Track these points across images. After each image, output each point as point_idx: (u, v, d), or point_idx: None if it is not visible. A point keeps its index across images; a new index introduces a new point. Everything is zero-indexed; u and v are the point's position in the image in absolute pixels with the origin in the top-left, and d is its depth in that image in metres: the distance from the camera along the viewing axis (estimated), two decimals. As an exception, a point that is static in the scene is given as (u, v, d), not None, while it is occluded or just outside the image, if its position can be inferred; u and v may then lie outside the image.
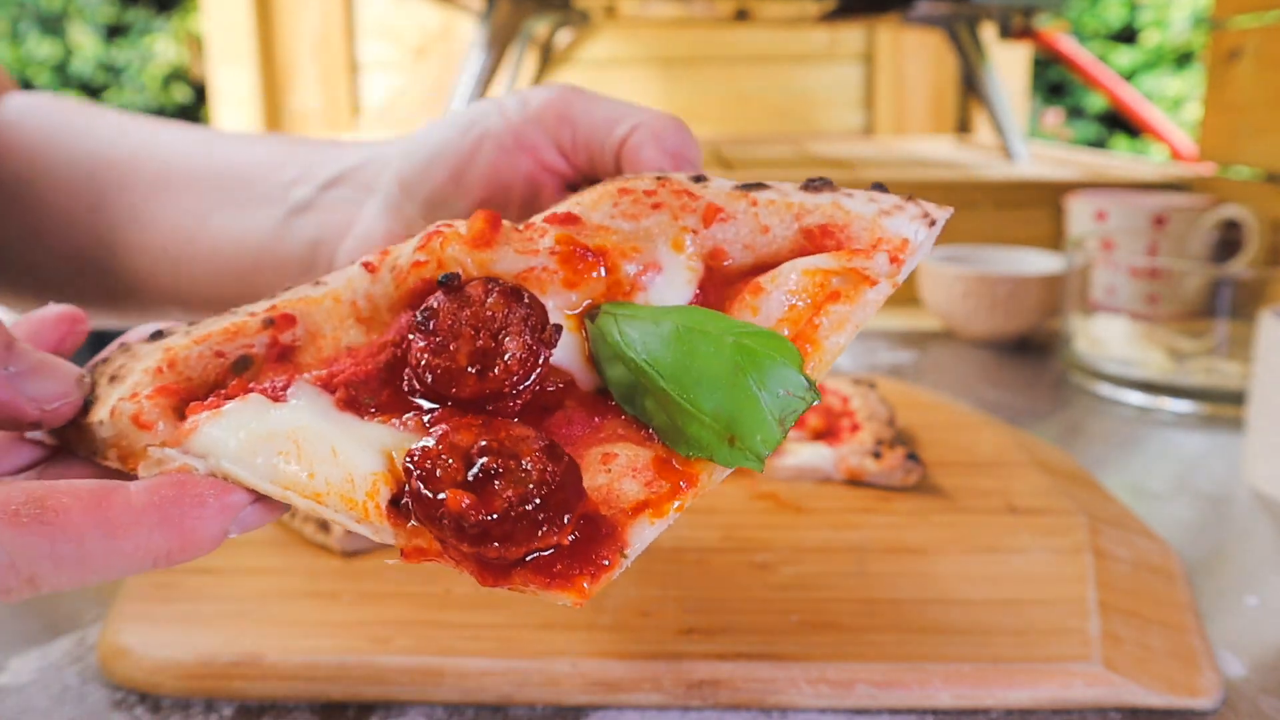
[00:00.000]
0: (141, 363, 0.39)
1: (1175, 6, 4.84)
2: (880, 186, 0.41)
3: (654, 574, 0.63)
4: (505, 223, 0.40)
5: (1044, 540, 0.66)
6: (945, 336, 1.31)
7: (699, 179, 0.42)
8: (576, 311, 0.39)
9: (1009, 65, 2.57)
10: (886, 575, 0.63)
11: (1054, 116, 4.79)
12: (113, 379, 0.39)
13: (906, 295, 1.41)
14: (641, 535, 0.34)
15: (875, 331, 1.33)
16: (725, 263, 0.40)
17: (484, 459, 0.33)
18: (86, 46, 4.64)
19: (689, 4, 1.87)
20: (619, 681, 0.53)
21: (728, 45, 2.66)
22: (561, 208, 0.41)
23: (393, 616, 0.58)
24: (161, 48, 4.67)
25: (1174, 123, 2.99)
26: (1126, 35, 5.05)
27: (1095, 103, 4.82)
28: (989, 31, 2.01)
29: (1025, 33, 2.01)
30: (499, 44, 1.80)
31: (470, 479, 0.33)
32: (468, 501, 0.32)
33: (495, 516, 0.32)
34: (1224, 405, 0.99)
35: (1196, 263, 1.23)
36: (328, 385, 0.38)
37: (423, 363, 0.37)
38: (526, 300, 0.37)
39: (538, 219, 0.41)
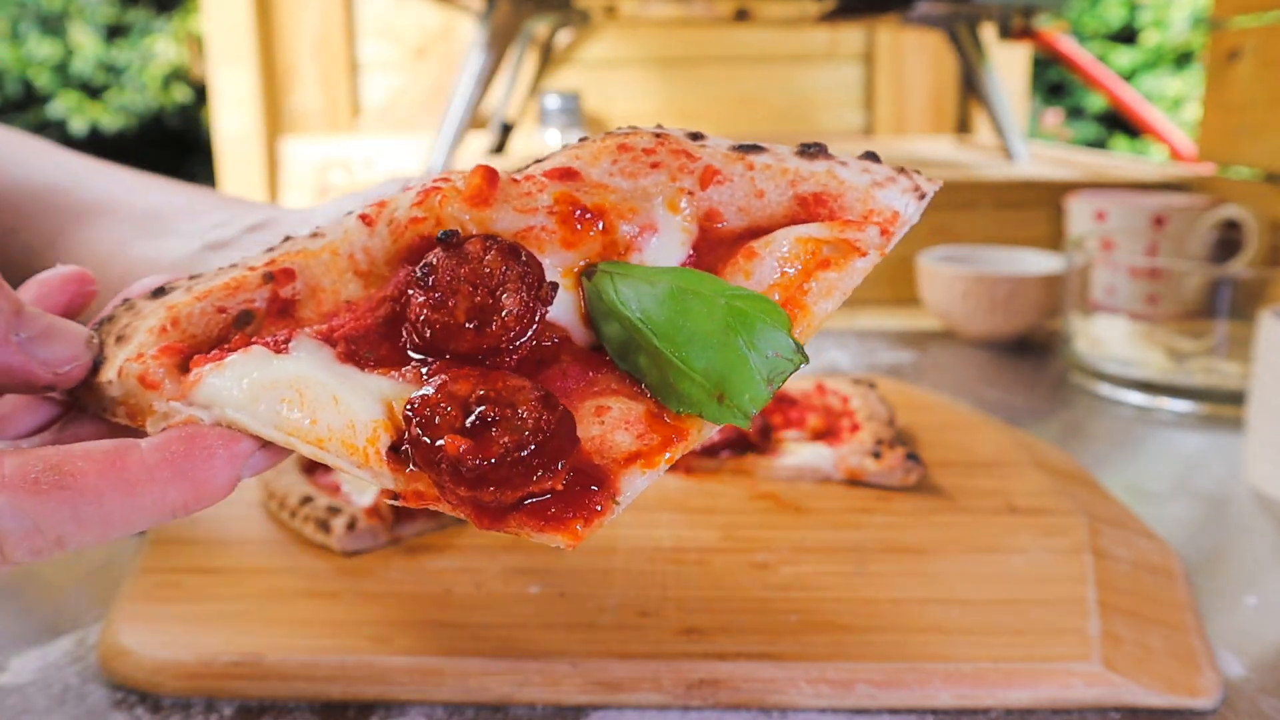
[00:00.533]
0: (146, 321, 0.40)
1: (1175, 6, 4.84)
2: (873, 155, 0.41)
3: (654, 574, 0.63)
4: (502, 175, 0.40)
5: (1044, 540, 0.66)
6: (945, 336, 1.31)
7: (696, 136, 0.42)
8: (574, 270, 0.40)
9: (1009, 65, 2.57)
10: (886, 575, 0.63)
11: (1054, 116, 4.79)
12: (119, 339, 0.40)
13: (906, 295, 1.41)
14: (633, 484, 0.35)
15: (875, 331, 1.33)
16: (719, 225, 0.41)
17: (481, 407, 0.34)
18: (86, 46, 4.64)
19: (689, 4, 1.87)
20: (619, 681, 0.53)
21: (728, 45, 2.66)
22: (560, 159, 0.41)
23: (393, 616, 0.58)
24: (161, 48, 4.67)
25: (1174, 123, 2.99)
26: (1126, 35, 5.05)
27: (1095, 103, 4.82)
28: (989, 31, 2.01)
29: (1025, 33, 2.01)
30: (499, 44, 1.80)
31: (468, 426, 0.34)
32: (465, 446, 0.33)
33: (492, 461, 0.33)
34: (1224, 405, 0.99)
35: (1196, 263, 1.23)
36: (328, 339, 0.39)
37: (421, 318, 0.38)
38: (524, 258, 0.38)
39: (536, 170, 0.41)
